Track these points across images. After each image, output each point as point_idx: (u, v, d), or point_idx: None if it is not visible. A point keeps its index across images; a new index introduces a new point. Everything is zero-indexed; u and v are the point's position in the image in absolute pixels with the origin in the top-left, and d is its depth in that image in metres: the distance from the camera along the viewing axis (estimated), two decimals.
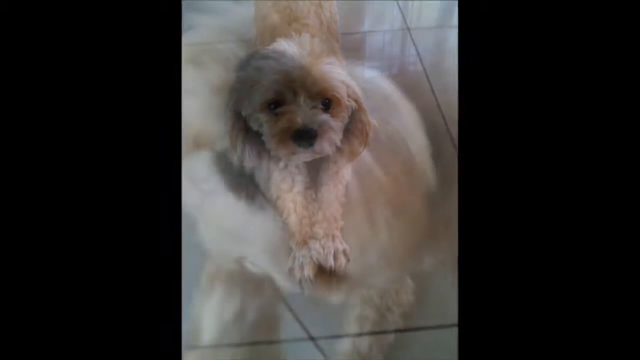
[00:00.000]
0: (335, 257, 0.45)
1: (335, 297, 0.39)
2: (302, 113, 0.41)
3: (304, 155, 0.43)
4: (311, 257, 0.43)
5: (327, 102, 0.43)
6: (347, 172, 0.39)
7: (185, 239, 0.30)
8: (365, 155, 0.39)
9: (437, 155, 1.65)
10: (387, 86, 0.40)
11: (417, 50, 2.22)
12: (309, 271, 0.42)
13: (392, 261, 0.48)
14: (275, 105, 0.41)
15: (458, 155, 0.35)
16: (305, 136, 0.41)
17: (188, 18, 0.36)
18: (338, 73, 0.41)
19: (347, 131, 0.44)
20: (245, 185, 0.33)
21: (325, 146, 0.42)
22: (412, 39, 2.24)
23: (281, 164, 0.41)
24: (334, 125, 0.42)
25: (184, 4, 0.36)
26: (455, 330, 1.25)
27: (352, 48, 0.99)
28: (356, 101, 0.43)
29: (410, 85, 2.08)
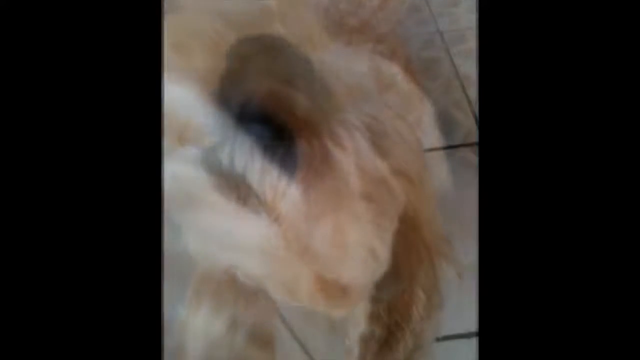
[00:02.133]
0: None
1: (337, 311, 0.39)
2: None
3: None
4: None
5: None
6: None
7: (168, 246, 0.29)
8: (370, 152, 0.38)
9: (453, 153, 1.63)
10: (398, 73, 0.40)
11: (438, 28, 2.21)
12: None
13: (401, 271, 0.48)
14: None
15: (478, 152, 0.35)
16: None
17: None
18: None
19: None
20: (237, 186, 0.33)
21: None
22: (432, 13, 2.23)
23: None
24: None
25: None
26: (472, 342, 1.26)
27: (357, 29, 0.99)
28: None
29: (427, 72, 2.06)
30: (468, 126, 1.81)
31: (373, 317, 0.44)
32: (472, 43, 2.16)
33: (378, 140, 0.40)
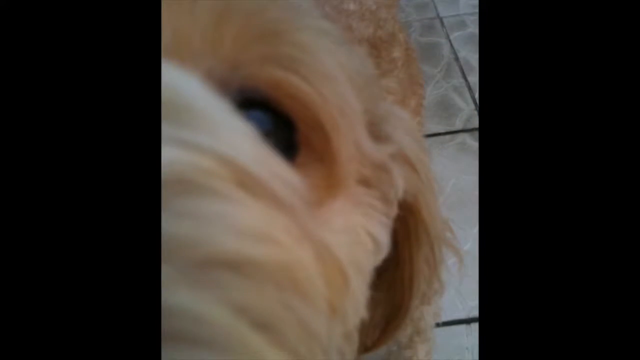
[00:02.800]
0: None
1: (338, 297, 0.39)
2: None
3: None
4: None
5: None
6: None
7: (167, 232, 0.29)
8: (370, 137, 0.38)
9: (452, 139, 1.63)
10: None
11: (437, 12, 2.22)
12: None
13: (401, 257, 0.48)
14: None
15: (479, 138, 0.35)
16: None
17: None
18: None
19: None
20: (237, 171, 0.32)
21: None
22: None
23: None
24: None
25: None
26: (472, 327, 1.26)
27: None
28: None
29: (427, 58, 2.06)
30: (468, 112, 1.81)
31: (373, 303, 0.44)
32: (472, 29, 2.16)
33: (378, 126, 0.40)
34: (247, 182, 0.27)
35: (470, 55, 2.04)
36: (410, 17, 2.24)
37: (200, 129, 0.26)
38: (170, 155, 0.25)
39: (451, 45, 2.12)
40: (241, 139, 0.28)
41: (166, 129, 0.25)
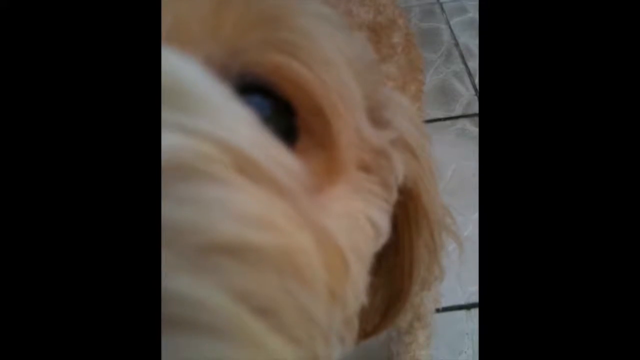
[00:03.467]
0: None
1: (338, 282, 0.39)
2: None
3: None
4: None
5: None
6: None
7: (167, 217, 0.28)
8: (370, 123, 0.38)
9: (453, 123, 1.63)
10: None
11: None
12: None
13: (401, 242, 0.48)
14: None
15: (479, 123, 0.35)
16: None
17: None
18: None
19: None
20: (237, 157, 0.32)
21: None
22: None
23: None
24: None
25: None
26: (472, 313, 1.26)
27: None
28: None
29: (427, 43, 2.06)
30: (468, 97, 1.81)
31: (373, 289, 0.44)
32: (471, 14, 2.15)
33: (378, 111, 0.40)
34: (247, 168, 0.27)
35: (470, 41, 2.04)
36: (410, 3, 2.23)
37: (200, 114, 0.26)
38: (170, 141, 0.24)
39: (451, 30, 2.12)
40: (241, 125, 0.28)
41: (166, 115, 0.25)
